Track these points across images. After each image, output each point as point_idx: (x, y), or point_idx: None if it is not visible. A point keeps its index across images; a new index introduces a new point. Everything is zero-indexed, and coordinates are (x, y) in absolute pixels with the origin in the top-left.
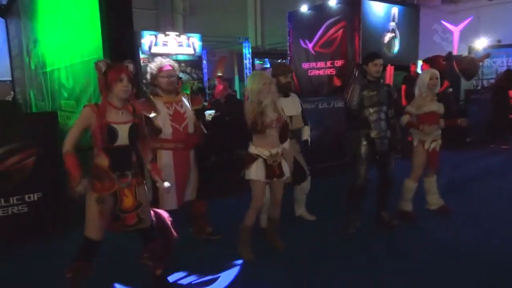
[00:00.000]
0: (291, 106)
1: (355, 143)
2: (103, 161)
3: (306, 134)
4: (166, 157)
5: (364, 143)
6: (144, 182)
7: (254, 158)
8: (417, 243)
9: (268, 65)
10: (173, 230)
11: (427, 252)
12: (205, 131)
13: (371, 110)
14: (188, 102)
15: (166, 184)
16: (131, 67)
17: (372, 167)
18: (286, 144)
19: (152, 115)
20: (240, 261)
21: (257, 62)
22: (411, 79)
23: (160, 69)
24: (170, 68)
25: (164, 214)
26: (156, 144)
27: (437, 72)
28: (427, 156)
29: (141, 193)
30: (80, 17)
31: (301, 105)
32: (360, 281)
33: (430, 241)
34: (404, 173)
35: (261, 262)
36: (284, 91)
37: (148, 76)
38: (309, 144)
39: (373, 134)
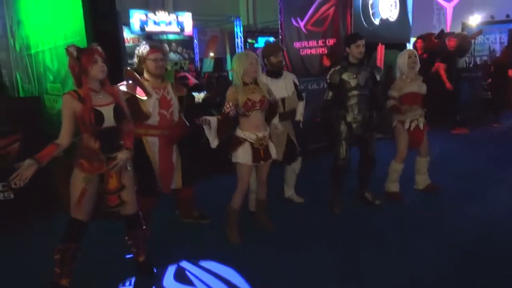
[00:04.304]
0: (283, 87)
1: (334, 124)
2: (93, 143)
3: (300, 112)
4: (152, 144)
5: (343, 124)
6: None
7: (240, 141)
8: (399, 223)
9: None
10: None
11: (408, 231)
12: (187, 123)
13: (349, 94)
14: (173, 89)
15: None
16: (99, 48)
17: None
18: (275, 120)
19: (144, 98)
20: (227, 244)
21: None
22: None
23: (148, 53)
24: (159, 52)
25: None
26: (141, 130)
27: (414, 51)
28: (409, 136)
29: (125, 177)
30: None
31: (295, 83)
32: (347, 261)
33: (413, 220)
34: (390, 154)
35: (251, 245)
36: (275, 71)
37: (136, 60)
38: (301, 124)
39: (349, 118)
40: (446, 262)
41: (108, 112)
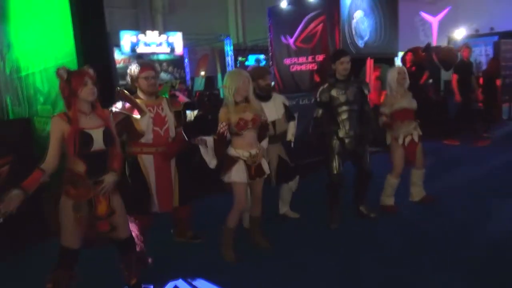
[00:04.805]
0: (273, 110)
1: (326, 139)
2: (79, 167)
3: (291, 133)
4: (147, 162)
5: (335, 139)
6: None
7: (234, 160)
8: (396, 234)
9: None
10: (140, 242)
11: (404, 243)
12: (186, 138)
13: (339, 110)
14: (168, 105)
15: None
16: (91, 71)
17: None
18: (264, 143)
19: (138, 116)
20: (222, 262)
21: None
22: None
23: (140, 71)
24: (151, 69)
25: (132, 226)
26: (136, 149)
27: (404, 68)
28: (404, 151)
29: (114, 201)
30: (52, 20)
31: (285, 103)
32: (344, 275)
33: (408, 232)
34: (386, 167)
35: (245, 262)
36: (264, 94)
37: (128, 78)
38: (292, 144)
39: (341, 133)
40: (448, 267)
41: (97, 135)
